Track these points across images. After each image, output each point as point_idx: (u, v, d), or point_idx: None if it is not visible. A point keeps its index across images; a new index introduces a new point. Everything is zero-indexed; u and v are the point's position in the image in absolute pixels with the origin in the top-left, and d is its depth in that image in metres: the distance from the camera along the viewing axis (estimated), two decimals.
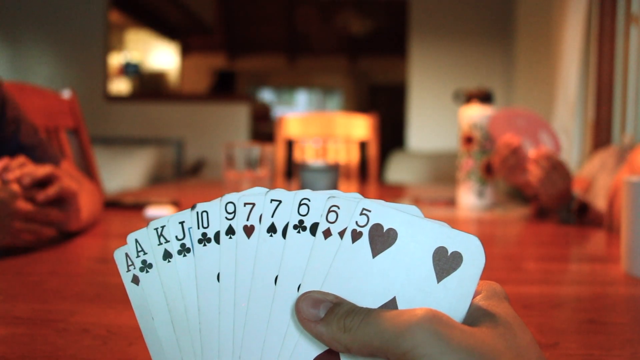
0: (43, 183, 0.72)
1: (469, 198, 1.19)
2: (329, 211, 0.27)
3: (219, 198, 0.28)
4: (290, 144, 2.11)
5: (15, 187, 0.68)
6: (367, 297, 0.26)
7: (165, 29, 3.98)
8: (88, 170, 1.39)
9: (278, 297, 0.27)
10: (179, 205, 1.08)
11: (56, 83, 3.61)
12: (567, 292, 0.57)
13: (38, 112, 1.20)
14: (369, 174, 2.01)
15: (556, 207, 1.05)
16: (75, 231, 0.81)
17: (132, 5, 3.82)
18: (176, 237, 0.28)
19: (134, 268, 0.29)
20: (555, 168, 1.01)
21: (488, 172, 1.18)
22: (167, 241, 0.28)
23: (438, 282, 0.25)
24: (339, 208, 0.27)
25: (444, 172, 2.85)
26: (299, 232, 0.27)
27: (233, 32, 3.94)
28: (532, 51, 3.01)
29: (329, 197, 0.27)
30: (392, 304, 0.26)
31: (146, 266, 0.29)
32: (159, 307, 0.28)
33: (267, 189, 0.28)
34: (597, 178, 1.13)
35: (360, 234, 0.26)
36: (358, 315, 0.24)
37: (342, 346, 0.25)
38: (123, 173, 3.07)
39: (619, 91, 1.96)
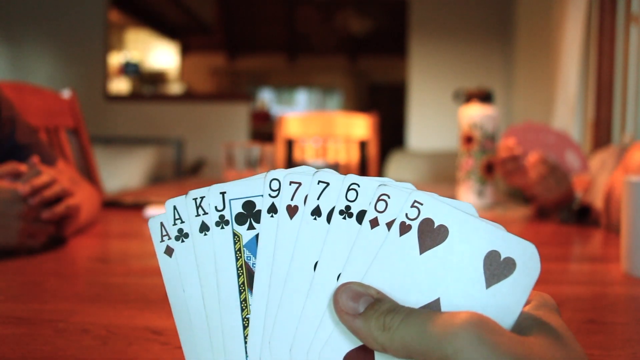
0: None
1: (469, 197, 1.19)
2: (379, 199, 0.25)
3: (264, 173, 0.27)
4: (290, 144, 2.11)
5: (23, 189, 0.67)
6: (410, 295, 0.24)
7: (165, 28, 3.98)
8: (88, 170, 1.39)
9: (316, 284, 0.25)
10: None
11: (56, 83, 3.61)
12: (567, 292, 0.57)
13: (38, 112, 1.20)
14: (369, 173, 2.01)
15: (556, 208, 1.05)
16: (69, 234, 0.80)
17: (132, 5, 3.82)
18: (215, 207, 0.27)
19: (168, 238, 0.27)
20: (552, 172, 1.01)
21: (488, 171, 1.18)
22: (205, 213, 0.27)
23: (487, 287, 0.24)
24: (389, 197, 0.25)
25: (444, 171, 2.85)
26: (344, 218, 0.26)
27: (233, 32, 3.93)
28: (532, 51, 3.00)
29: (379, 185, 0.25)
30: (435, 305, 0.24)
31: (182, 235, 0.27)
32: (191, 280, 0.27)
33: (315, 169, 0.26)
34: (597, 177, 1.13)
35: (409, 227, 0.25)
36: (399, 315, 0.23)
37: (379, 345, 0.23)
38: (123, 173, 3.06)
39: (619, 91, 1.96)
